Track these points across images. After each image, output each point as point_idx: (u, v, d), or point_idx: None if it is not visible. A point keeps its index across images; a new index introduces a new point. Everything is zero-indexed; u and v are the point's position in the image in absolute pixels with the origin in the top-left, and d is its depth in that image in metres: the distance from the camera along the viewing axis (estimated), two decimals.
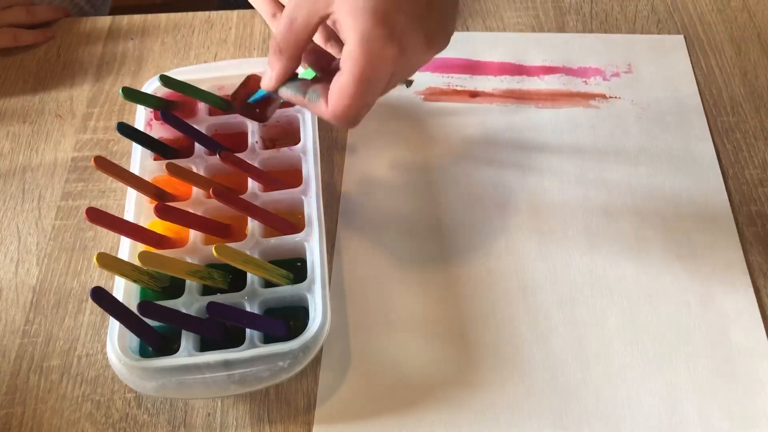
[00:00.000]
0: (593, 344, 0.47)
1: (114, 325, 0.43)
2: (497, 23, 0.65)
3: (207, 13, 0.66)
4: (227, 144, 0.52)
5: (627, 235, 0.51)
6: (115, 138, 0.57)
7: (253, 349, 0.42)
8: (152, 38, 0.64)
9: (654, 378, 0.46)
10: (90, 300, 0.49)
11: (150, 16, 0.66)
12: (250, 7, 0.65)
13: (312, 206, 0.49)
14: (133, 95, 0.52)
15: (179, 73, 0.54)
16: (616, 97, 0.59)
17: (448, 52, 0.61)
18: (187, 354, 0.42)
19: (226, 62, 0.58)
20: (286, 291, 0.45)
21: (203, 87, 0.54)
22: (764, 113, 0.58)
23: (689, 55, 0.62)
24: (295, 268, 0.47)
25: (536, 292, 0.49)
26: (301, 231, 0.48)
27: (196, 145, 0.52)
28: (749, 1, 0.66)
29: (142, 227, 0.47)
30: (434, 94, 0.60)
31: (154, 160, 0.52)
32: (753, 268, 0.50)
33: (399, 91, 0.59)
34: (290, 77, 0.42)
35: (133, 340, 0.44)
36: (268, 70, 0.42)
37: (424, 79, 0.61)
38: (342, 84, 0.37)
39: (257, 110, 0.48)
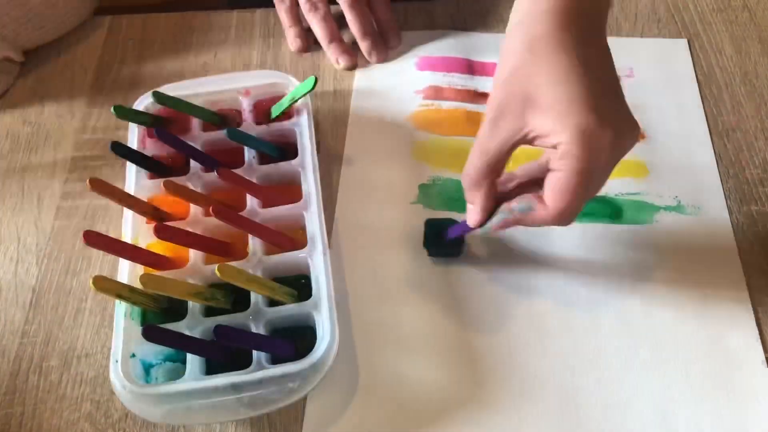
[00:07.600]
0: (588, 351, 0.47)
1: (118, 351, 0.42)
2: (497, 23, 0.65)
3: (207, 13, 0.66)
4: (223, 160, 0.51)
5: (624, 239, 0.51)
6: (114, 138, 0.57)
7: (262, 371, 0.41)
8: (152, 38, 0.64)
9: (648, 385, 0.45)
10: (90, 300, 0.49)
11: (150, 16, 0.66)
12: (258, 5, 0.65)
13: (314, 222, 0.47)
14: (126, 113, 0.51)
15: (172, 89, 0.53)
16: None
17: (449, 51, 0.62)
18: (193, 378, 0.41)
19: (220, 77, 0.56)
20: (291, 309, 0.44)
21: (196, 102, 0.53)
22: (764, 113, 0.58)
23: (690, 56, 0.62)
24: (300, 285, 0.46)
25: (537, 301, 0.49)
26: (303, 247, 0.46)
27: (192, 162, 0.51)
28: (750, 0, 0.66)
29: (140, 248, 0.46)
30: (434, 93, 0.59)
31: (149, 179, 0.51)
32: (754, 268, 0.50)
33: (401, 97, 0.59)
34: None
35: (137, 367, 0.43)
36: (471, 207, 0.43)
37: (425, 78, 0.60)
38: (563, 181, 0.38)
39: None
